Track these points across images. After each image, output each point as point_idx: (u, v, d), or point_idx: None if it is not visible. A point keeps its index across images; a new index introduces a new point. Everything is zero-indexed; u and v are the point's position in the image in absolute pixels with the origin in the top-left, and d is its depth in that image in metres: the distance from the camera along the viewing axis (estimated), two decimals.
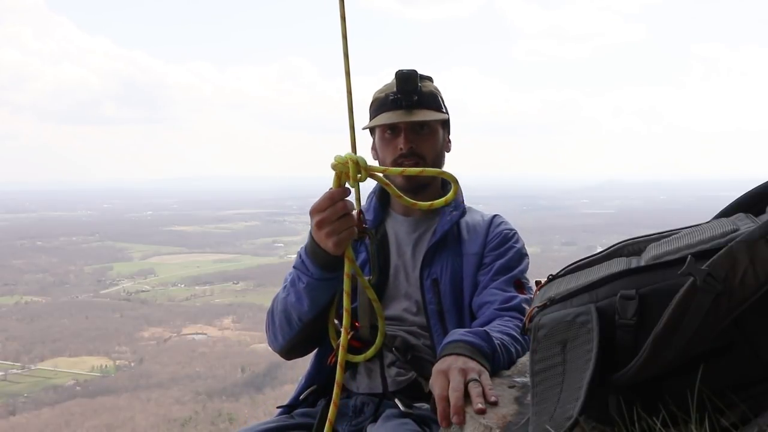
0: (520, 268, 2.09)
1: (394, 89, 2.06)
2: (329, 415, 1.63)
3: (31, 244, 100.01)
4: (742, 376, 1.14)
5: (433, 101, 2.11)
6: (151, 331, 63.85)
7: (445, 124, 2.20)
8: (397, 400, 1.91)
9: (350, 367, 2.04)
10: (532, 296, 1.77)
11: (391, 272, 2.12)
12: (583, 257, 1.44)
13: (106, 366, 55.97)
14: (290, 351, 2.04)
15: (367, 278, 1.90)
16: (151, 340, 61.66)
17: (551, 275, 1.45)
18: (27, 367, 56.15)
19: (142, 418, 42.55)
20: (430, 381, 1.50)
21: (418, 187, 2.10)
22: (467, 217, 2.20)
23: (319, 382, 2.08)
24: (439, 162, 2.16)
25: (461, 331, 1.66)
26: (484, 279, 2.06)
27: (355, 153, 1.69)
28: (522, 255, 2.14)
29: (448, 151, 2.22)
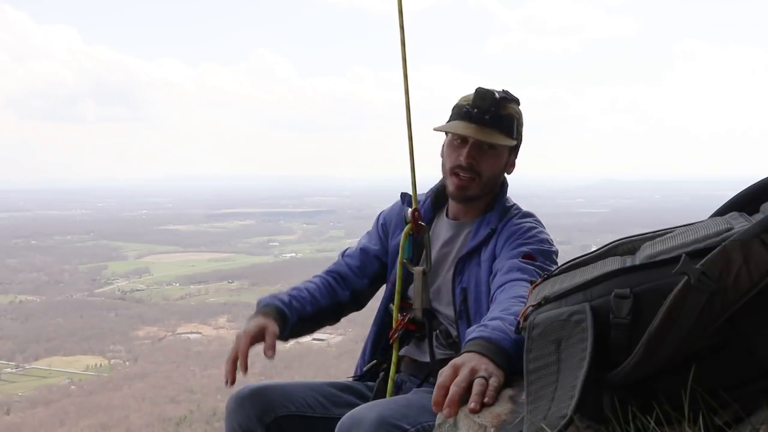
0: (531, 245, 2.11)
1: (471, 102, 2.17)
2: (388, 386, 2.18)
3: (25, 243, 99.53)
4: (735, 375, 1.15)
5: (507, 125, 2.17)
6: (146, 330, 63.61)
7: (514, 148, 2.26)
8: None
9: (408, 337, 2.34)
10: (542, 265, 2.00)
11: (430, 269, 2.30)
12: (577, 256, 1.44)
13: (100, 365, 55.79)
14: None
15: (421, 268, 2.25)
16: (145, 339, 61.47)
17: (546, 274, 1.46)
18: (21, 367, 55.93)
19: (136, 417, 42.46)
20: (441, 369, 1.51)
21: (466, 199, 2.27)
22: (506, 228, 2.21)
23: (378, 357, 2.38)
24: (493, 182, 2.26)
25: (479, 326, 1.65)
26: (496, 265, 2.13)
27: (412, 149, 2.24)
28: (533, 235, 2.15)
29: (509, 173, 2.32)
